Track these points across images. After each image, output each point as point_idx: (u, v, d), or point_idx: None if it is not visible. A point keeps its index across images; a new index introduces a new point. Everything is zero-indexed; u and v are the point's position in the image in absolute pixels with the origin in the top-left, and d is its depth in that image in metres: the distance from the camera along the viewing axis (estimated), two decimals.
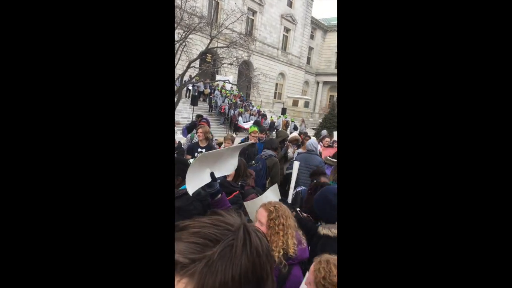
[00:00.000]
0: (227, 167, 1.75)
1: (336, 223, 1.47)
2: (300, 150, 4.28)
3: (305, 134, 6.99)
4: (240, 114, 14.23)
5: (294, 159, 3.74)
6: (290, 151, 4.37)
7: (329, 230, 1.48)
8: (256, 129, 4.31)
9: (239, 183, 2.11)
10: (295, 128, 14.26)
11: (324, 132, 8.26)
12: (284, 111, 17.18)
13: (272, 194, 1.97)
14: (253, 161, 3.27)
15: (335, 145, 6.19)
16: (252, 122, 6.89)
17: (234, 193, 2.00)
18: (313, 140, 4.13)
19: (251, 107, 16.59)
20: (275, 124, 15.16)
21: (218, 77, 14.42)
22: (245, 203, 1.91)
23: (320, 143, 6.08)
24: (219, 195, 1.51)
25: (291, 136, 5.01)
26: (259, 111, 16.31)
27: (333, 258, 1.08)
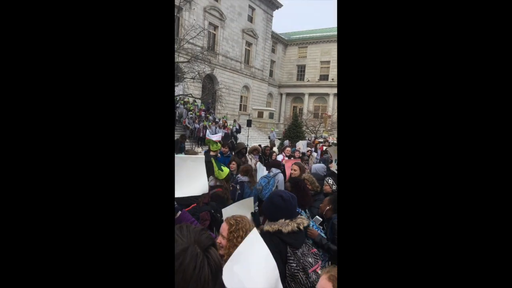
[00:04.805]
0: (197, 187, 1.76)
1: (279, 221, 1.64)
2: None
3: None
4: (205, 127, 14.16)
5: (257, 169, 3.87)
6: (252, 163, 4.46)
7: (269, 226, 1.63)
8: (218, 146, 4.45)
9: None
10: (237, 132, 14.07)
11: (286, 142, 8.56)
12: (249, 123, 17.38)
13: (242, 206, 2.05)
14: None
15: (296, 154, 6.46)
16: (220, 134, 6.92)
17: (192, 205, 2.08)
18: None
19: (217, 120, 16.61)
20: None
21: (176, 90, 14.06)
22: (223, 210, 2.03)
23: (283, 153, 6.31)
24: (178, 213, 1.57)
25: (251, 146, 5.13)
26: (224, 123, 16.37)
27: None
